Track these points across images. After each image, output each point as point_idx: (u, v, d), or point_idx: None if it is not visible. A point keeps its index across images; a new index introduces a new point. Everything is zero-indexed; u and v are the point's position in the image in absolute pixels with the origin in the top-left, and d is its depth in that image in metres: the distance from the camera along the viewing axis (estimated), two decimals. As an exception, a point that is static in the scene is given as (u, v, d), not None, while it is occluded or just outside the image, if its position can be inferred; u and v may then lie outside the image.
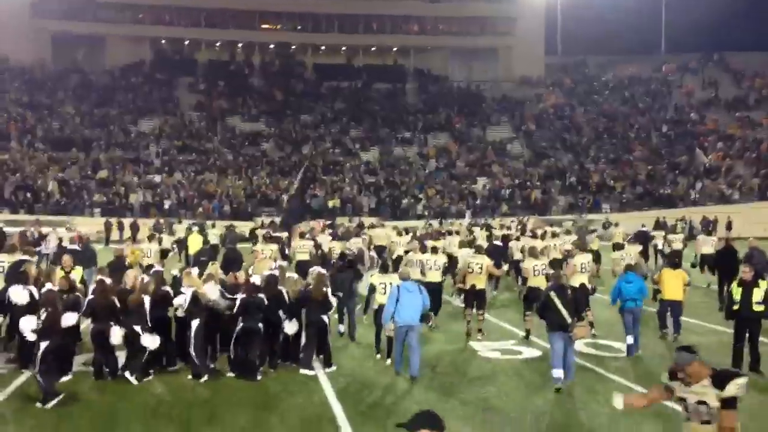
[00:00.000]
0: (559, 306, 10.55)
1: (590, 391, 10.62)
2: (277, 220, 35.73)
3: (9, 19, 56.66)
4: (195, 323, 11.06)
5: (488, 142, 54.95)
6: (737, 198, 45.97)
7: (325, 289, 11.80)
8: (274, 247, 18.30)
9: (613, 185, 48.21)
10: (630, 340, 12.79)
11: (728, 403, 5.36)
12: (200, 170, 48.55)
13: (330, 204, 44.86)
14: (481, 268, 14.30)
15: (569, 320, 10.50)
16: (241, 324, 11.24)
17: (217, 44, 65.60)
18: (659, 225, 36.38)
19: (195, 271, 12.42)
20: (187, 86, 59.85)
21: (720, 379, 5.43)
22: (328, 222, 31.77)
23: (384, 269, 13.65)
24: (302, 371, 11.42)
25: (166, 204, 43.76)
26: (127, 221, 36.09)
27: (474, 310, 14.32)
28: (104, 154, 48.90)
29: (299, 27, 65.39)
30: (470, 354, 13.04)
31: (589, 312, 13.68)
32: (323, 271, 12.75)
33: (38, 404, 9.55)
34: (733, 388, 5.37)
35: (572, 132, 56.83)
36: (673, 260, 15.30)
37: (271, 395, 10.35)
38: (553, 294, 10.76)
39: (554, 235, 22.36)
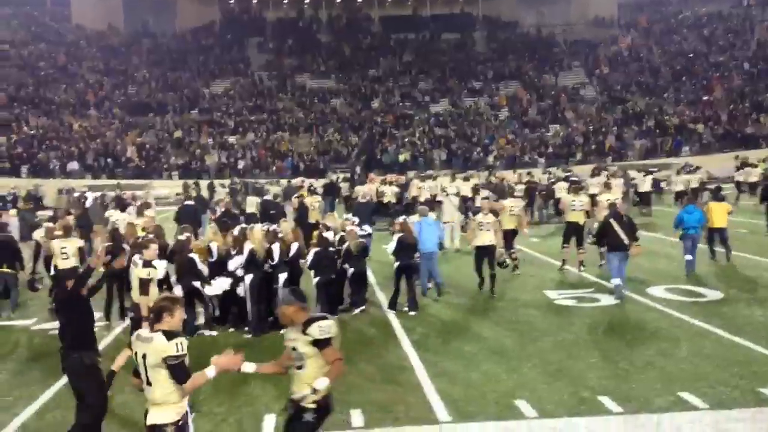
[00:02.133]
0: (618, 230, 12.80)
1: (668, 336, 10.44)
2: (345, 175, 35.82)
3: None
4: (249, 278, 11.39)
5: (560, 88, 53.63)
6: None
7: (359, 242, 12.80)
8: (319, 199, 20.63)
9: (694, 127, 46.50)
10: (689, 257, 14.82)
11: (320, 344, 5.33)
12: (272, 129, 49.08)
13: (401, 158, 44.74)
14: (582, 205, 15.75)
15: (626, 241, 12.74)
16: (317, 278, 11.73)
17: (285, 1, 65.61)
18: (741, 165, 35.03)
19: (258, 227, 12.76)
20: (257, 46, 60.23)
21: (307, 324, 5.37)
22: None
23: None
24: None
25: (241, 164, 44.48)
26: (204, 183, 36.86)
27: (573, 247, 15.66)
28: (179, 118, 49.93)
29: (364, -21, 64.75)
30: (546, 301, 12.95)
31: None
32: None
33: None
34: (315, 330, 5.33)
35: (648, 74, 54.85)
36: (717, 194, 17.03)
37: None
38: (612, 221, 12.99)
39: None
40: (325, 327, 5.36)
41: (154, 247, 10.39)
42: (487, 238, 13.44)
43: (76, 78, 53.92)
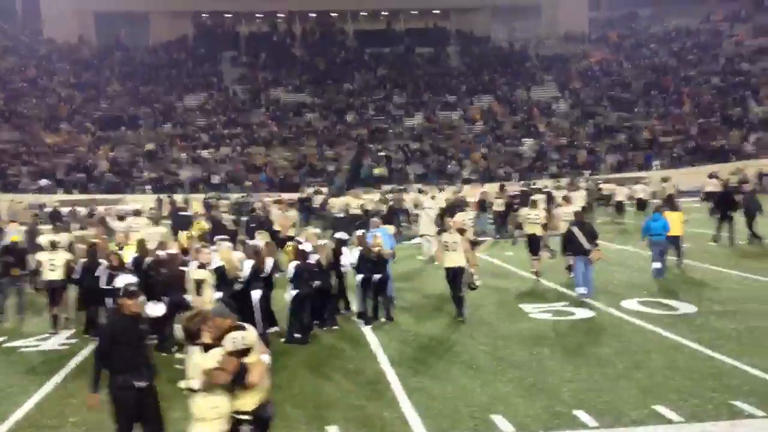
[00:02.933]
0: (579, 236, 13.89)
1: (642, 349, 10.52)
2: (324, 189, 35.81)
3: (52, 0, 57.56)
4: (256, 294, 11.35)
5: (533, 102, 54.12)
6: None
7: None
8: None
9: (664, 141, 47.10)
10: (657, 264, 15.90)
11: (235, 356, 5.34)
12: (247, 143, 48.89)
13: (377, 172, 44.76)
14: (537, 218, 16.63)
15: (588, 246, 13.79)
16: (297, 291, 11.70)
17: (258, 16, 65.62)
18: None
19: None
20: (230, 60, 60.12)
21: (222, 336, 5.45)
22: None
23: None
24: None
25: (215, 178, 44.23)
26: (178, 197, 36.57)
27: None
28: (152, 132, 49.59)
29: (338, -6, 64.97)
30: (521, 315, 13.00)
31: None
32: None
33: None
34: (228, 343, 5.36)
35: (620, 88, 55.55)
36: (671, 203, 18.14)
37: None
38: (574, 228, 14.13)
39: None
40: (238, 338, 5.34)
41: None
42: (453, 258, 12.69)
43: (48, 92, 53.38)
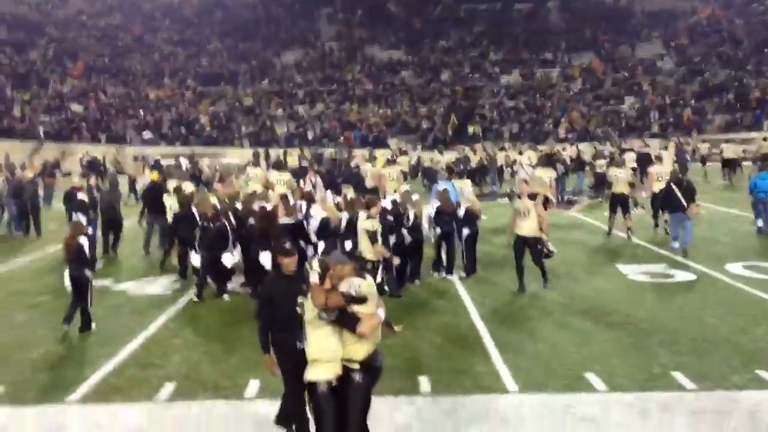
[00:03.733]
0: (677, 193, 14.31)
1: (746, 314, 10.10)
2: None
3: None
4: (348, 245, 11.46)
5: (637, 60, 52.09)
6: None
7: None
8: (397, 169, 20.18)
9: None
10: (760, 222, 16.32)
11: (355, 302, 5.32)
12: (342, 100, 49.20)
13: (470, 130, 44.30)
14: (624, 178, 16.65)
15: (684, 203, 14.21)
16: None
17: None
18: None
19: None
20: (327, 17, 60.27)
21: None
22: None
23: None
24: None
25: (310, 135, 44.79)
26: (274, 151, 37.27)
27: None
28: (250, 88, 50.52)
29: (435, -51, 63.86)
30: (618, 276, 12.69)
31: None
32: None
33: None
34: (344, 285, 5.35)
35: (729, 45, 52.76)
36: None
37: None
38: (673, 185, 14.57)
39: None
40: (355, 283, 5.34)
41: (378, 204, 11.46)
42: (524, 226, 11.70)
43: (152, 48, 55.07)
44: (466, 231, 12.94)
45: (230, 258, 11.67)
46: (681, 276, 12.50)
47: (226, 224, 11.71)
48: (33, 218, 19.30)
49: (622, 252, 15.01)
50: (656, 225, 16.78)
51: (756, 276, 12.27)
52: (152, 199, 15.79)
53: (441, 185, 14.19)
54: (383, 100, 49.04)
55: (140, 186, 21.73)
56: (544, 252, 11.86)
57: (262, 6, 61.53)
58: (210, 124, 45.85)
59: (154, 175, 18.64)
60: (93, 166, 31.20)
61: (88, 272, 10.00)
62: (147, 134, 44.43)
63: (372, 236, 10.84)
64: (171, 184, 16.36)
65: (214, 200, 13.37)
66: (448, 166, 18.93)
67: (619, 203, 16.34)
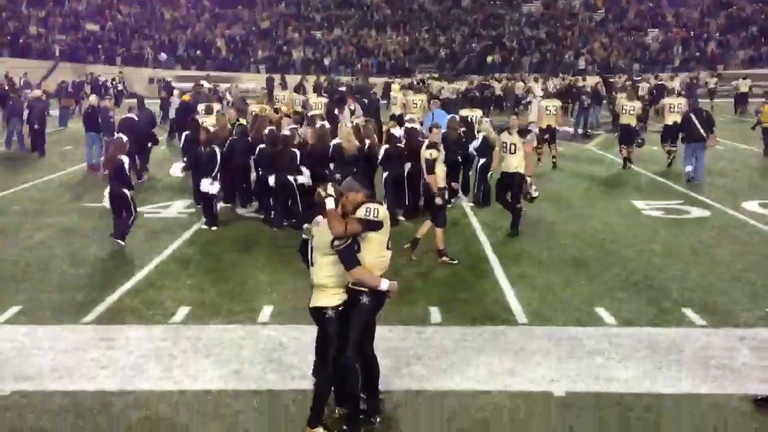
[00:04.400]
0: (697, 124, 14.62)
1: (760, 252, 10.07)
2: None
3: None
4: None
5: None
6: None
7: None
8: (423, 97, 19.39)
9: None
10: None
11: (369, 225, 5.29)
12: (360, 25, 48.38)
13: (489, 59, 43.60)
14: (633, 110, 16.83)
15: (703, 133, 14.58)
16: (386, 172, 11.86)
17: None
18: None
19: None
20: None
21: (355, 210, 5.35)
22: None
23: None
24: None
25: (326, 60, 44.25)
26: (290, 78, 36.84)
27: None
28: (267, 11, 49.70)
29: None
30: (632, 211, 12.64)
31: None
32: None
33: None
34: (361, 211, 5.28)
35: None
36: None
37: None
38: (692, 115, 14.87)
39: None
40: (372, 208, 5.32)
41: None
42: (510, 163, 10.99)
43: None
44: (481, 161, 12.84)
45: (209, 184, 11.36)
46: (696, 212, 12.44)
47: (216, 150, 11.51)
48: (36, 138, 19.40)
49: (638, 186, 14.92)
50: (670, 156, 16.76)
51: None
52: (184, 119, 15.62)
53: (438, 114, 14.20)
54: (401, 26, 48.19)
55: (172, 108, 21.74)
56: (526, 194, 11.07)
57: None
58: (226, 47, 45.33)
59: (186, 96, 19.47)
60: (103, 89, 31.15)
61: (127, 191, 10.20)
62: (163, 56, 44.02)
63: (429, 165, 9.81)
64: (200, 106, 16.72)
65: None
66: (464, 94, 18.87)
67: (626, 133, 16.65)
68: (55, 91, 29.41)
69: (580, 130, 23.50)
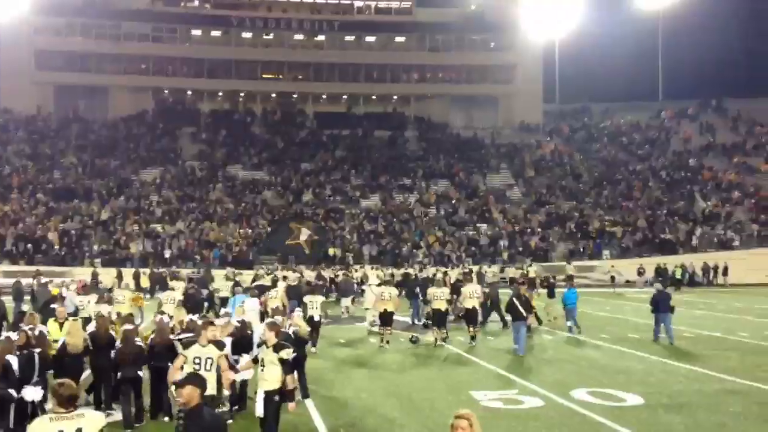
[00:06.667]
0: (518, 306, 17.67)
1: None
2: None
3: (12, 71, 57.44)
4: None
5: (489, 189, 55.07)
6: (737, 245, 45.93)
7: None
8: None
9: (613, 231, 48.12)
10: (569, 323, 21.14)
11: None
12: (201, 219, 48.55)
13: (330, 252, 44.79)
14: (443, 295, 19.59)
15: (524, 313, 17.62)
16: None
17: (219, 94, 66.37)
18: (659, 272, 36.92)
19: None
20: (189, 136, 60.24)
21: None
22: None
23: None
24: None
25: (167, 253, 43.69)
26: (128, 271, 35.94)
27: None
28: (105, 205, 48.96)
29: (300, 76, 66.07)
30: (472, 402, 12.86)
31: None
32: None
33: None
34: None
35: (571, 178, 56.99)
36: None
37: None
38: (514, 299, 17.96)
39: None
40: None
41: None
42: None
43: (1, 161, 52.67)
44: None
45: (33, 391, 10.06)
46: (529, 402, 12.84)
47: (35, 354, 10.51)
48: None
49: (477, 377, 15.26)
50: (472, 338, 19.28)
51: (599, 402, 12.73)
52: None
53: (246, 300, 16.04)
54: (244, 220, 48.84)
55: None
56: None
57: (123, 123, 60.72)
58: (59, 241, 43.78)
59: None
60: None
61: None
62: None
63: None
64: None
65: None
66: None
67: (437, 317, 19.29)
68: None
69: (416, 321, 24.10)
